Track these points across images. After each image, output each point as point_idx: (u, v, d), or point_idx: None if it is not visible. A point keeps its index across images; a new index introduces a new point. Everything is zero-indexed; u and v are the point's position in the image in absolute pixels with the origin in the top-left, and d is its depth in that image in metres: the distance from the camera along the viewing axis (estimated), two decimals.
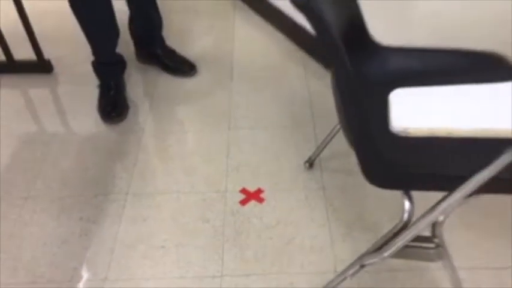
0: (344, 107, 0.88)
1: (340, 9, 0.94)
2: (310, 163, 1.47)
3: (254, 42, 2.10)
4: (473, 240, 1.27)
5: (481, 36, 1.16)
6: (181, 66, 1.92)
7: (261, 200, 1.39)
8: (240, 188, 1.42)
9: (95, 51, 1.76)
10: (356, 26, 1.04)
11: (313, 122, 1.65)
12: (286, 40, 2.06)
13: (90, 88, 1.83)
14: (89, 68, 1.81)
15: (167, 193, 1.44)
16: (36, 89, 1.92)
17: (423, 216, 0.86)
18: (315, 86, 1.82)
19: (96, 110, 1.76)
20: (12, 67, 1.93)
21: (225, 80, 1.89)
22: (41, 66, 1.92)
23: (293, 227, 1.32)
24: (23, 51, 1.90)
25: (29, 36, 1.83)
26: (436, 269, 1.19)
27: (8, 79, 1.94)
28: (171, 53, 1.94)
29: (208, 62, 1.98)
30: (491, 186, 0.83)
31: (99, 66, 1.80)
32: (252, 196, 1.40)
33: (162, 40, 1.93)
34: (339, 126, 1.30)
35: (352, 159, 0.91)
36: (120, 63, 1.84)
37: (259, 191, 1.41)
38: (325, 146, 1.42)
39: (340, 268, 1.18)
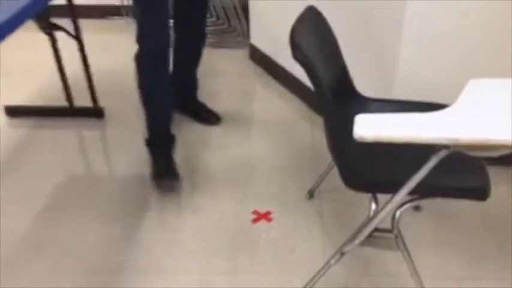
0: (331, 139, 1.23)
1: (329, 66, 1.33)
2: (311, 194, 1.80)
3: (271, 102, 2.50)
4: (441, 253, 1.55)
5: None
6: (210, 117, 2.32)
7: (269, 220, 1.71)
8: (252, 210, 1.75)
9: (150, 123, 1.95)
10: (343, 80, 1.42)
11: (315, 163, 2.00)
12: (297, 100, 2.46)
13: (135, 133, 2.22)
14: (135, 117, 2.21)
15: (196, 211, 1.78)
16: (89, 131, 2.33)
17: (379, 212, 1.18)
18: (318, 135, 2.18)
19: (133, 154, 2.10)
20: (72, 112, 2.36)
21: (245, 130, 2.27)
22: (95, 112, 2.35)
23: (294, 240, 1.63)
24: (81, 98, 2.35)
25: (89, 86, 2.28)
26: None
27: (66, 121, 2.37)
28: (202, 106, 2.34)
29: (232, 116, 2.37)
30: (431, 190, 1.16)
31: (153, 144, 2.00)
32: (262, 216, 1.72)
33: (195, 95, 2.35)
34: (333, 163, 1.65)
35: (344, 191, 1.23)
36: (171, 142, 2.01)
37: (268, 213, 1.74)
38: (322, 180, 1.75)
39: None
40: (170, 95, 1.93)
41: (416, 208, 1.71)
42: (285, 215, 1.74)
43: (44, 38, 2.16)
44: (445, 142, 0.99)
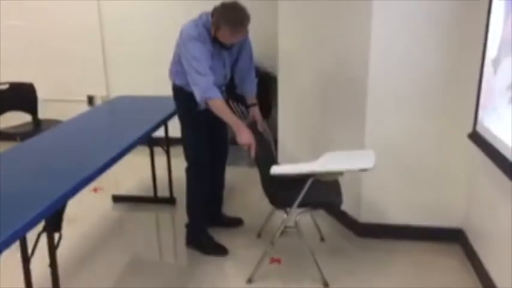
0: (262, 181, 2.37)
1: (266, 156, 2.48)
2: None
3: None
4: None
5: None
6: (234, 222, 3.20)
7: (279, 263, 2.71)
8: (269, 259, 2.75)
9: (192, 213, 2.86)
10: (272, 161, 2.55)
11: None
12: None
13: None
14: None
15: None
16: (163, 214, 3.48)
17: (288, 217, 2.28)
18: (323, 225, 3.19)
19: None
20: (155, 200, 3.56)
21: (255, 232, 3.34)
22: (170, 200, 3.53)
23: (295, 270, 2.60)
24: (162, 190, 3.55)
25: (169, 183, 3.50)
26: None
27: (150, 206, 3.55)
28: (226, 217, 3.24)
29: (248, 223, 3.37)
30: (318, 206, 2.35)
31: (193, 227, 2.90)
32: (274, 260, 2.72)
33: (221, 203, 3.16)
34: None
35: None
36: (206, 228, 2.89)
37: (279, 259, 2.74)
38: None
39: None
40: (209, 195, 2.88)
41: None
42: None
43: (144, 152, 3.48)
44: (309, 172, 2.19)
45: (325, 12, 3.08)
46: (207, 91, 2.50)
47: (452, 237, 2.91)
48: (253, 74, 2.92)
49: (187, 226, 2.96)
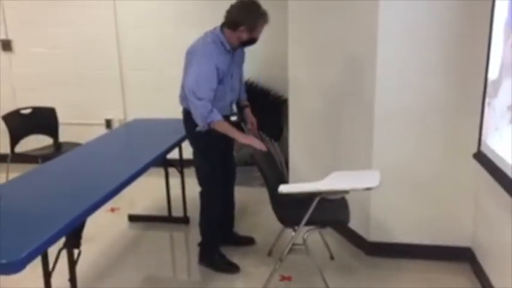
0: (271, 200, 2.46)
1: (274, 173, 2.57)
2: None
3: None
4: None
5: None
6: (246, 241, 3.29)
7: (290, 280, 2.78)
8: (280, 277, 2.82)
9: (205, 232, 2.96)
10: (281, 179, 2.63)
11: None
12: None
13: None
14: None
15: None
16: (177, 233, 3.58)
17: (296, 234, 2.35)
18: (333, 243, 3.25)
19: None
20: (169, 219, 3.66)
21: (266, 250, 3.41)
22: (184, 220, 3.63)
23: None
24: (176, 209, 3.66)
25: (183, 203, 3.61)
26: None
27: (164, 225, 3.66)
28: (237, 236, 3.33)
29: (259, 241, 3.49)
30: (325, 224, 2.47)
31: (206, 247, 3.00)
32: (285, 278, 2.79)
33: (233, 222, 3.27)
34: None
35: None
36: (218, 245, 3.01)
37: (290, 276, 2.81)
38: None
39: None
40: (220, 216, 2.99)
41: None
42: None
43: (159, 173, 3.61)
44: (316, 191, 2.30)
45: (332, 38, 3.21)
46: (208, 116, 2.62)
47: (461, 255, 2.94)
48: (243, 78, 3.10)
49: (200, 245, 3.05)
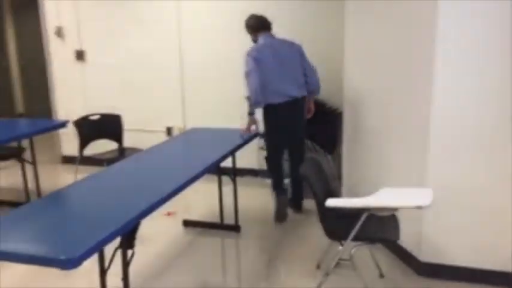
0: (320, 214, 2.44)
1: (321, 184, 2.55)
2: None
3: None
4: None
5: None
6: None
7: None
8: None
9: (274, 182, 3.99)
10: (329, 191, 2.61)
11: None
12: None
13: (256, 247, 3.50)
14: (259, 236, 3.51)
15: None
16: (228, 240, 3.67)
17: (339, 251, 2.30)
18: (384, 261, 3.20)
19: (254, 261, 3.38)
20: (221, 227, 3.76)
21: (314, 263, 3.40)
22: (235, 228, 3.72)
23: None
24: (228, 217, 3.76)
25: (235, 211, 3.69)
26: None
27: (216, 232, 3.76)
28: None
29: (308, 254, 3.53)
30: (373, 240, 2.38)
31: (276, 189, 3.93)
32: None
33: (300, 193, 3.99)
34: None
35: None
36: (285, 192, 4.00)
37: None
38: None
39: None
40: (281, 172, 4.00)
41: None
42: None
43: (215, 180, 3.72)
44: (363, 207, 2.26)
45: (388, 52, 3.18)
46: None
47: None
48: None
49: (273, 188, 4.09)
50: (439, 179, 2.81)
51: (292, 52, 3.77)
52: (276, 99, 3.69)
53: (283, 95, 3.70)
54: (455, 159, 2.78)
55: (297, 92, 3.73)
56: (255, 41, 3.85)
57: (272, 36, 3.84)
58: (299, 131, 3.89)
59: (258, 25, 3.83)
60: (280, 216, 3.87)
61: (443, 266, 2.92)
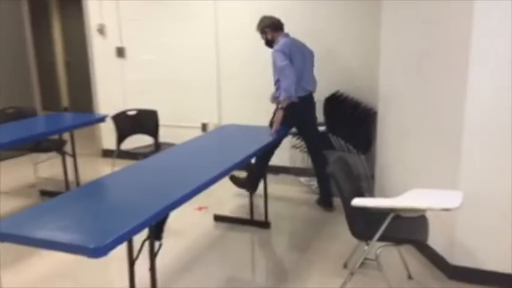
0: (346, 213, 2.43)
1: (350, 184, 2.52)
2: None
3: None
4: None
5: None
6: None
7: None
8: None
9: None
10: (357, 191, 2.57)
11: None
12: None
13: (285, 243, 3.51)
14: (292, 229, 3.52)
15: None
16: (257, 236, 3.71)
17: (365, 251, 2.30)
18: (413, 262, 3.15)
19: (280, 259, 3.39)
20: (251, 223, 3.80)
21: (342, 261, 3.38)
22: (264, 224, 3.75)
23: None
24: (258, 214, 3.79)
25: (265, 208, 3.73)
26: None
27: (246, 228, 3.80)
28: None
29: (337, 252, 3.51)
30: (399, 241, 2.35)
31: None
32: None
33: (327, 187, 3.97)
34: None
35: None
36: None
37: None
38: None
39: None
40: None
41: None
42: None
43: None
44: (389, 207, 2.25)
45: (423, 51, 3.11)
46: None
47: None
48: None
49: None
50: (471, 182, 2.73)
51: (309, 52, 3.97)
52: (301, 93, 3.82)
53: (305, 90, 3.87)
54: (489, 161, 2.70)
55: (313, 88, 3.97)
56: (270, 41, 3.94)
57: (289, 36, 3.94)
58: (316, 124, 4.07)
59: (277, 25, 3.95)
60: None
61: (475, 270, 2.85)
